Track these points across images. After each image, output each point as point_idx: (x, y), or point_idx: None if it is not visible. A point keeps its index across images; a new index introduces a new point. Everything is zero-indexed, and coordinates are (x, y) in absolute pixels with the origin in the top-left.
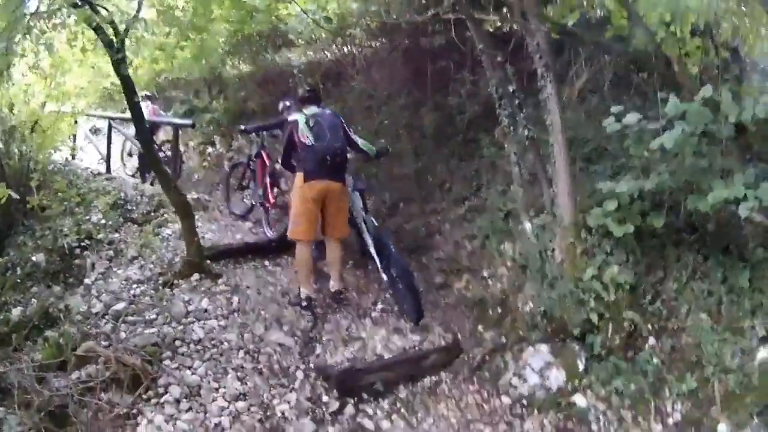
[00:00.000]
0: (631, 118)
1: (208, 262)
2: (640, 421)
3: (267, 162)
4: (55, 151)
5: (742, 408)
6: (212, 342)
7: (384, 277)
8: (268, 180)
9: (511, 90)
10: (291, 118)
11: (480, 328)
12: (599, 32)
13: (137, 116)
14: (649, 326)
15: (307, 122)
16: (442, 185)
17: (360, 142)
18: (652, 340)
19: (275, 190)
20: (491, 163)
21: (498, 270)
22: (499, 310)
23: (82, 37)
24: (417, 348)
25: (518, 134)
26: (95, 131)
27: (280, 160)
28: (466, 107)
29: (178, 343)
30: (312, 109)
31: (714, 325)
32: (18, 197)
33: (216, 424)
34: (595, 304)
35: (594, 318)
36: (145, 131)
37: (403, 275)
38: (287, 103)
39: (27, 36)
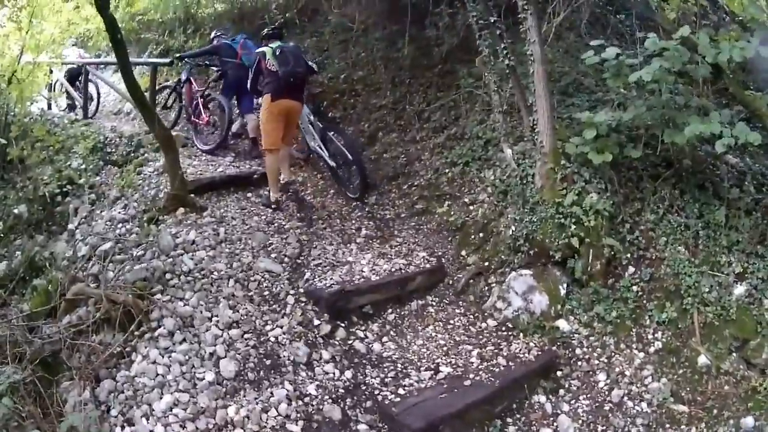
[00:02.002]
0: (610, 52)
1: (192, 195)
2: (622, 347)
3: (195, 86)
4: (31, 103)
5: (721, 341)
6: (202, 272)
7: (331, 163)
8: (199, 101)
9: (492, 20)
10: (257, 50)
11: (463, 252)
12: None
13: (122, 56)
14: (628, 255)
15: (273, 53)
16: (420, 115)
17: (312, 65)
18: (631, 269)
19: (207, 110)
20: (469, 93)
21: (479, 196)
22: (481, 235)
23: None
24: (403, 271)
25: (498, 64)
26: (71, 79)
27: (249, 86)
28: (444, 40)
29: (168, 275)
30: (276, 43)
31: (691, 258)
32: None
33: (211, 353)
34: (575, 229)
35: (575, 243)
36: (130, 70)
37: (353, 153)
38: (218, 34)
39: None
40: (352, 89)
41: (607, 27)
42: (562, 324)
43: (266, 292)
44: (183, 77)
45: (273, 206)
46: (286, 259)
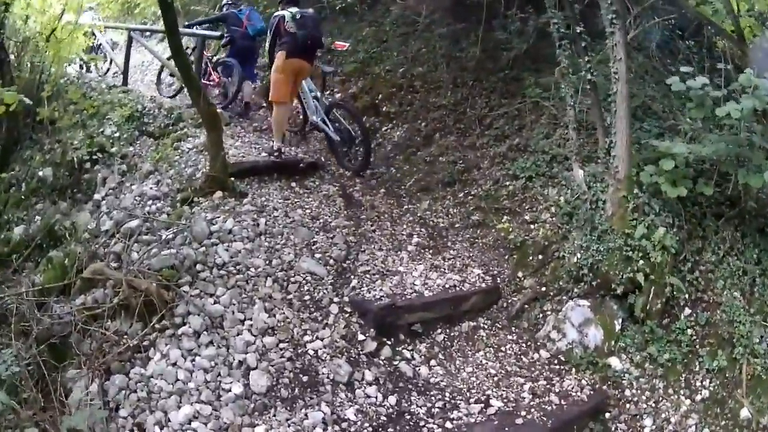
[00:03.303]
0: (698, 81)
1: (233, 179)
2: (670, 392)
3: (205, 52)
4: (70, 64)
5: (765, 394)
6: (237, 267)
7: (336, 138)
8: (209, 63)
9: (578, 31)
10: (277, 14)
11: (520, 273)
12: None
13: (171, 21)
14: (687, 296)
15: (293, 17)
16: (482, 120)
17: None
18: (687, 310)
19: (216, 72)
20: (535, 104)
21: (541, 215)
22: (540, 257)
23: None
24: (457, 288)
25: (576, 79)
26: (112, 45)
27: (267, 45)
28: (513, 44)
29: (199, 266)
30: (294, 9)
31: (746, 306)
32: (29, 104)
33: (240, 362)
34: (642, 264)
35: (640, 278)
36: (178, 37)
37: (362, 131)
38: (227, 2)
39: None
40: (410, 85)
41: (677, 53)
42: (614, 362)
43: (307, 297)
44: (194, 44)
45: (275, 154)
46: (331, 261)
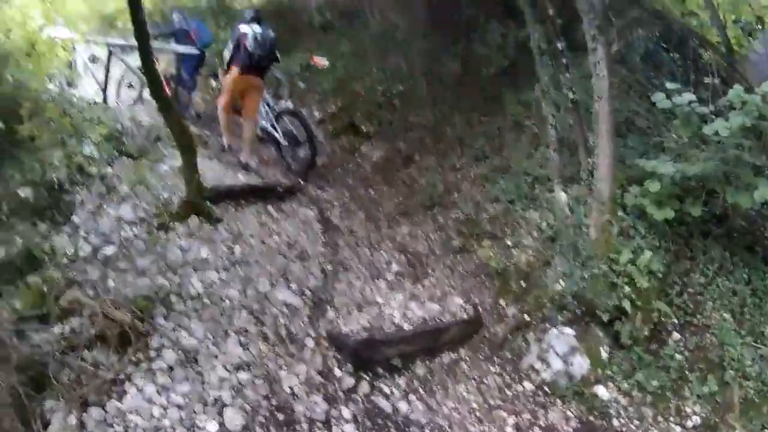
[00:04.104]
0: (684, 97)
1: (208, 203)
2: (660, 420)
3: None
4: (50, 79)
5: (757, 417)
6: (212, 298)
7: (283, 142)
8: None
9: (560, 48)
10: (242, 29)
11: (501, 301)
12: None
13: (142, 39)
14: (675, 320)
15: (254, 36)
16: (462, 140)
17: (278, 54)
18: (676, 335)
19: (168, 86)
20: (515, 122)
21: (523, 239)
22: (523, 284)
23: None
24: (437, 319)
25: (559, 95)
26: (93, 59)
27: (227, 56)
28: (492, 60)
29: (173, 298)
30: (256, 27)
31: (737, 328)
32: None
33: (216, 399)
34: (628, 290)
35: (626, 305)
36: (149, 52)
37: (309, 134)
38: (179, 15)
39: None
40: (389, 103)
41: (660, 66)
42: (601, 391)
43: (283, 330)
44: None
45: (225, 149)
46: (307, 292)
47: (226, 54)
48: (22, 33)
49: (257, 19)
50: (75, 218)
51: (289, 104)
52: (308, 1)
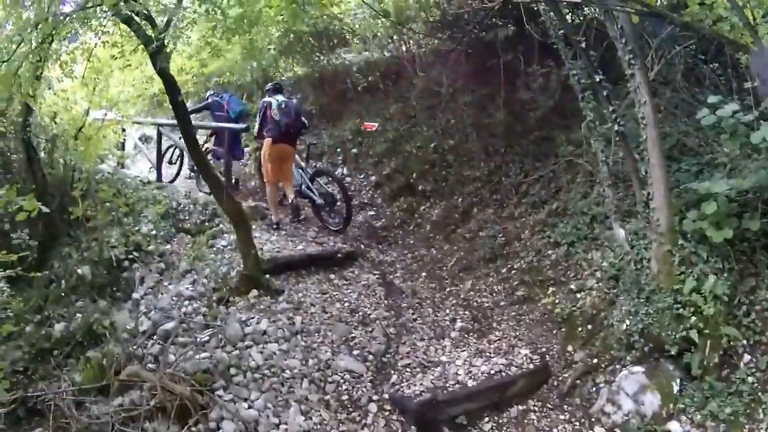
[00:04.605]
0: (727, 109)
1: (267, 276)
2: None
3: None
4: (102, 160)
5: None
6: (272, 369)
7: (319, 201)
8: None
9: (598, 80)
10: (266, 100)
11: (569, 347)
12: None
13: (181, 115)
14: (744, 342)
15: (279, 105)
16: (518, 188)
17: (305, 120)
18: (747, 357)
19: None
20: (568, 163)
21: (586, 282)
22: (590, 327)
23: (118, 36)
24: (503, 373)
25: (606, 129)
26: (145, 139)
27: (256, 131)
28: (538, 102)
29: (233, 370)
30: (279, 97)
31: None
32: (47, 210)
33: None
34: (694, 320)
35: (693, 335)
36: (191, 132)
37: (343, 193)
38: (211, 93)
39: (57, 38)
40: (443, 160)
41: (703, 79)
42: (674, 427)
43: (345, 397)
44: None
45: (275, 227)
46: (370, 357)
47: (255, 127)
48: (67, 117)
49: (279, 90)
50: (135, 295)
51: (321, 165)
52: (350, 66)
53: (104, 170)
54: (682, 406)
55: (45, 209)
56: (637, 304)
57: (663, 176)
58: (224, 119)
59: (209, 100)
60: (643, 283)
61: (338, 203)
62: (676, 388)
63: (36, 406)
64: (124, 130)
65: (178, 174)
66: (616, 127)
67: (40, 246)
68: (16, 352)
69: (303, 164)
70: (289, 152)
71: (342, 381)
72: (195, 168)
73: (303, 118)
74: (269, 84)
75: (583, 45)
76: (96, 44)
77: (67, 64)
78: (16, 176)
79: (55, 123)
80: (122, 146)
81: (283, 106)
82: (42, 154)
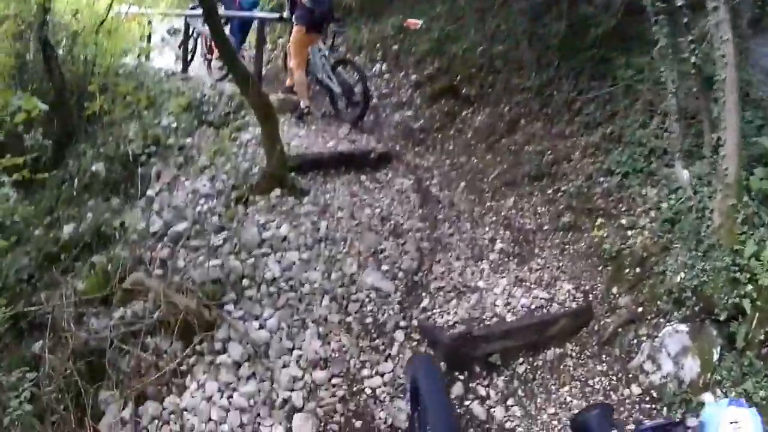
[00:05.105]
0: None
1: (293, 174)
2: None
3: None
4: (126, 54)
5: None
6: (290, 282)
7: (337, 90)
8: (209, 42)
9: (679, 4)
10: None
11: (614, 289)
12: None
13: (206, 3)
14: None
15: None
16: (570, 105)
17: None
18: None
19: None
20: (627, 87)
21: (639, 219)
22: (638, 270)
23: None
24: (544, 309)
25: (679, 60)
26: (173, 32)
27: (287, 11)
28: (600, 19)
29: (246, 282)
30: None
31: None
32: (45, 107)
33: (284, 400)
34: (750, 288)
35: (746, 304)
36: (217, 19)
37: (363, 82)
38: None
39: None
40: (490, 65)
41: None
42: (708, 399)
43: (369, 320)
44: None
45: (306, 111)
46: (400, 275)
47: (286, 14)
48: (88, 13)
49: None
50: (149, 192)
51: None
52: None
53: (127, 64)
54: (719, 378)
55: (44, 107)
56: (694, 258)
57: (737, 123)
58: (236, 10)
59: None
60: (702, 235)
61: (356, 95)
62: (715, 356)
63: (36, 320)
64: (150, 22)
65: (191, 61)
66: (693, 59)
67: (55, 144)
68: (23, 259)
69: (326, 52)
70: (319, 40)
71: (367, 300)
72: (206, 55)
73: (333, 11)
74: None
75: None
76: None
77: None
78: (33, 76)
79: (76, 20)
80: (148, 39)
81: None
82: (60, 52)
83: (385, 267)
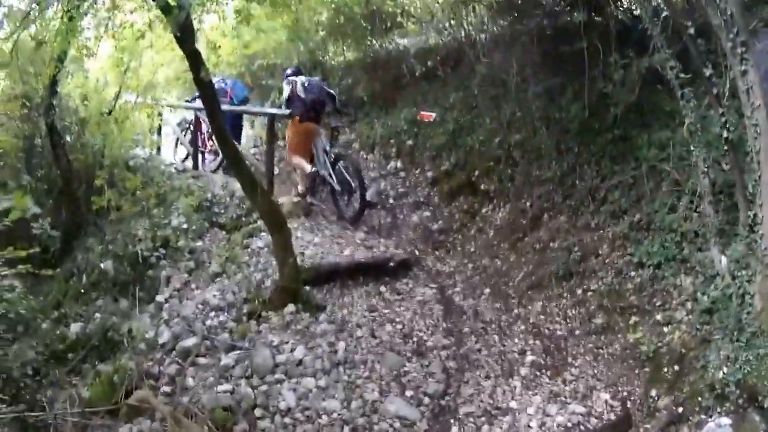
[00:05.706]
0: None
1: (307, 288)
2: None
3: (202, 122)
4: (137, 146)
5: None
6: (306, 413)
7: (337, 188)
8: (205, 134)
9: (707, 75)
10: (292, 79)
11: (653, 392)
12: None
13: (208, 98)
14: None
15: (303, 84)
16: (594, 193)
17: (332, 91)
18: None
19: (210, 141)
20: (650, 168)
21: (675, 313)
22: (677, 368)
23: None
24: (581, 426)
25: (711, 134)
26: (185, 126)
27: (285, 107)
28: (617, 97)
29: (258, 412)
30: (302, 78)
31: None
32: (39, 211)
33: None
34: None
35: None
36: (219, 116)
37: (359, 181)
38: (218, 80)
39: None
40: (508, 156)
41: None
42: None
43: None
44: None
45: (301, 196)
46: (426, 400)
47: (284, 109)
48: (96, 99)
49: (299, 72)
50: (159, 297)
51: (341, 150)
52: (405, 50)
53: (138, 156)
54: None
55: (38, 210)
56: (737, 349)
57: None
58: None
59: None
60: (744, 322)
61: (354, 192)
62: None
63: (38, 423)
64: (160, 114)
65: (203, 159)
66: (725, 134)
67: (64, 235)
68: (30, 353)
69: (327, 147)
70: (314, 129)
71: (391, 431)
72: (200, 147)
73: (330, 90)
74: (289, 69)
75: (691, 29)
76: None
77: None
78: (42, 161)
79: (85, 105)
80: (158, 131)
81: (306, 84)
82: (68, 138)
83: (409, 392)
